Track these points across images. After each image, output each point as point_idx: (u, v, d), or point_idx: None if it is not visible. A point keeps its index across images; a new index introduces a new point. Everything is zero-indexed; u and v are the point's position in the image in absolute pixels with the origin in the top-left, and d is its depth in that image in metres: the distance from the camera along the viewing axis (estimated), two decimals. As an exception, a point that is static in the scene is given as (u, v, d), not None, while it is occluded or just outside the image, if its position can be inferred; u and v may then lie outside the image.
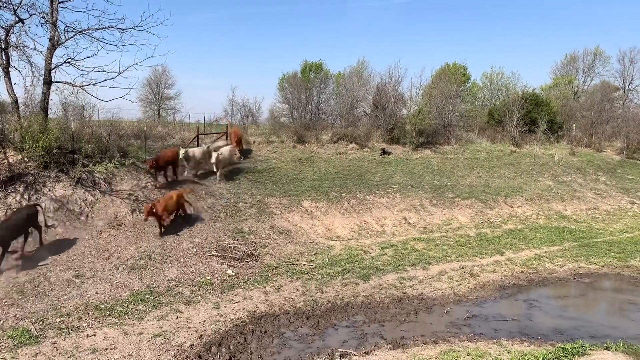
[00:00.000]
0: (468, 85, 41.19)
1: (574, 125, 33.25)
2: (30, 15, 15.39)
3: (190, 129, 24.40)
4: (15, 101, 15.79)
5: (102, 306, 10.14)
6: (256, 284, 12.05)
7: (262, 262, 13.30)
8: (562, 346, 8.59)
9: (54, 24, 15.59)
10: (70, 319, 9.53)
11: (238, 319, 10.16)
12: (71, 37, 15.95)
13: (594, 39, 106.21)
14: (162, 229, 13.72)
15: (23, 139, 14.54)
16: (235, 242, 14.13)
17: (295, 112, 30.78)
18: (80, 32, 15.87)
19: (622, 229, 19.46)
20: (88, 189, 14.81)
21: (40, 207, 12.72)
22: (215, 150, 18.62)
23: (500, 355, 8.56)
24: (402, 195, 19.99)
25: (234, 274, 12.40)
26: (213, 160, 17.59)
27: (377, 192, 19.87)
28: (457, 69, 40.19)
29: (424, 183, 21.67)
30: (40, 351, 8.35)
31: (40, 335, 8.87)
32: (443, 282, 12.94)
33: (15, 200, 13.36)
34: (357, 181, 20.68)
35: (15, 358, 8.13)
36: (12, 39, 15.44)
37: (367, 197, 19.27)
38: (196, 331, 9.45)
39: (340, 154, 24.04)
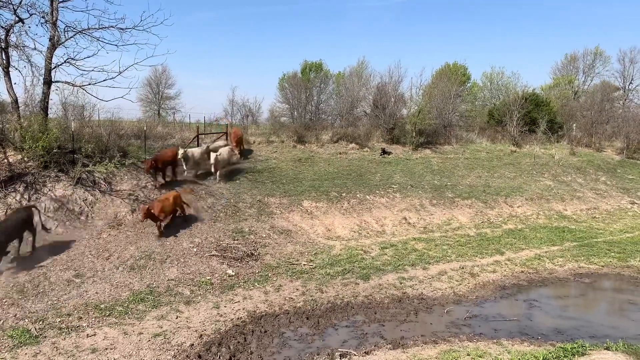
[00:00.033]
0: (468, 85, 41.19)
1: (574, 125, 33.25)
2: (30, 15, 15.42)
3: (190, 129, 24.41)
4: (15, 101, 15.79)
5: (102, 306, 10.14)
6: (256, 283, 12.05)
7: (262, 262, 13.30)
8: (562, 346, 8.59)
9: (54, 24, 15.59)
10: (70, 318, 9.53)
11: (238, 318, 10.15)
12: (71, 37, 15.97)
13: (594, 39, 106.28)
14: (161, 230, 13.64)
15: (23, 139, 14.54)
16: (235, 242, 14.13)
17: (295, 112, 30.78)
18: (80, 31, 15.88)
19: (622, 229, 19.46)
20: (88, 188, 14.81)
21: (37, 208, 12.65)
22: (214, 150, 18.61)
23: (500, 355, 8.55)
24: (402, 195, 19.99)
25: (234, 273, 12.40)
26: (212, 160, 17.59)
27: (377, 192, 19.87)
28: (457, 68, 40.19)
29: (424, 183, 21.67)
30: (40, 351, 8.35)
31: (40, 335, 8.87)
32: (443, 282, 12.94)
33: (15, 200, 13.37)
34: (357, 181, 20.67)
35: (15, 358, 8.12)
36: (12, 38, 15.46)
37: (367, 197, 19.27)
38: (196, 331, 9.45)
39: (340, 153, 24.04)
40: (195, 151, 18.05)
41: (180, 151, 17.08)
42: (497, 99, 38.56)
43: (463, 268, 13.99)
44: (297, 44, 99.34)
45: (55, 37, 15.67)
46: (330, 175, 20.96)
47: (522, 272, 14.14)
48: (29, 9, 15.29)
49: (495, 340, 9.51)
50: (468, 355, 8.56)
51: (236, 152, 21.20)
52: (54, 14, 15.56)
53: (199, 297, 11.05)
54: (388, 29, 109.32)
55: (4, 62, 15.43)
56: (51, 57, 15.81)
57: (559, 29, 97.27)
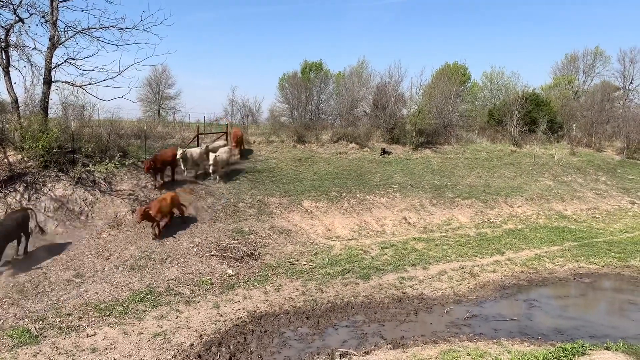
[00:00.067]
0: (468, 85, 41.19)
1: (574, 125, 33.24)
2: (30, 14, 15.43)
3: (191, 129, 24.41)
4: (15, 101, 15.80)
5: (102, 306, 10.14)
6: (256, 283, 12.05)
7: (262, 262, 13.30)
8: (562, 346, 8.58)
9: (54, 24, 15.59)
10: (70, 318, 9.53)
11: (238, 318, 10.15)
12: (71, 37, 15.99)
13: (594, 39, 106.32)
14: (158, 231, 13.53)
15: (23, 139, 14.54)
16: (235, 241, 14.13)
17: (295, 112, 30.77)
18: (80, 31, 15.89)
19: (623, 229, 19.46)
20: (88, 188, 14.81)
21: (33, 210, 12.56)
22: (214, 151, 18.58)
23: (500, 355, 8.55)
24: (402, 195, 19.99)
25: (234, 273, 12.40)
26: (211, 161, 17.54)
27: (377, 191, 19.86)
28: (458, 68, 40.19)
29: (424, 183, 21.67)
30: (40, 351, 8.35)
31: (40, 334, 8.87)
32: (443, 282, 12.94)
33: (15, 199, 13.37)
34: (357, 181, 20.67)
35: (15, 357, 8.12)
36: (12, 38, 15.48)
37: (367, 196, 19.27)
38: (196, 331, 9.45)
39: (340, 153, 24.03)
40: (195, 151, 18.02)
41: (179, 151, 17.05)
42: (497, 98, 38.55)
43: (463, 268, 13.98)
44: (297, 44, 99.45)
45: (55, 37, 15.68)
46: (330, 175, 20.96)
47: (522, 272, 14.14)
48: (29, 9, 15.33)
49: (495, 340, 9.51)
50: (468, 355, 8.56)
51: (236, 152, 21.20)
52: (54, 14, 15.57)
53: (199, 297, 11.05)
54: (388, 29, 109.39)
55: (4, 61, 15.44)
56: (51, 57, 15.82)
57: (559, 29, 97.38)
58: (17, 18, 15.28)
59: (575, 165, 27.48)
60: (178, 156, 16.86)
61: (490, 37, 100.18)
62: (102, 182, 15.29)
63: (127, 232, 13.59)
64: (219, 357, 8.57)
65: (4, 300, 9.99)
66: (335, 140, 25.39)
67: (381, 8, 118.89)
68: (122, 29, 16.06)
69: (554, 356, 8.08)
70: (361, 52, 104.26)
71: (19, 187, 13.72)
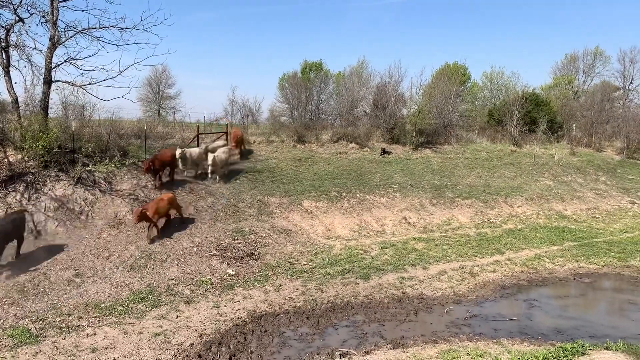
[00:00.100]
0: (468, 85, 41.21)
1: (574, 125, 33.25)
2: (31, 14, 15.44)
3: (191, 129, 24.43)
4: (15, 100, 15.80)
5: (102, 305, 10.14)
6: (256, 283, 12.06)
7: (262, 262, 13.30)
8: (562, 346, 8.59)
9: (54, 24, 15.59)
10: (70, 318, 9.53)
11: (238, 318, 10.16)
12: (71, 37, 15.99)
13: (594, 39, 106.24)
14: (156, 232, 13.48)
15: (23, 138, 14.54)
16: (236, 241, 14.14)
17: (296, 112, 30.79)
18: (80, 31, 15.89)
19: (622, 229, 19.46)
20: (88, 188, 14.81)
21: (29, 212, 12.49)
22: (212, 151, 18.56)
23: (500, 355, 8.56)
24: (402, 195, 20.00)
25: (234, 273, 12.41)
26: (209, 161, 17.52)
27: (377, 191, 19.87)
28: (458, 68, 40.19)
29: (424, 183, 21.67)
30: (40, 350, 8.35)
31: (41, 334, 8.88)
32: (443, 282, 12.95)
33: (16, 199, 13.37)
34: (357, 181, 20.68)
35: (15, 357, 8.13)
36: (13, 38, 15.48)
37: (367, 196, 19.27)
38: (196, 330, 9.46)
39: (340, 153, 24.04)
40: (194, 151, 18.01)
41: (178, 151, 17.02)
42: (497, 98, 38.57)
43: (463, 268, 13.99)
44: (297, 44, 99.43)
45: (56, 37, 15.68)
46: (330, 175, 20.97)
47: (522, 271, 14.14)
48: (29, 9, 15.33)
49: (495, 340, 9.51)
50: (468, 355, 8.57)
51: (235, 152, 21.19)
52: (54, 14, 15.57)
53: (199, 297, 11.05)
54: (388, 29, 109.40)
55: (4, 61, 15.44)
56: (51, 57, 15.82)
57: (559, 29, 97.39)
58: (17, 18, 15.29)
59: (575, 165, 27.49)
60: (177, 156, 16.83)
61: (490, 37, 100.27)
62: (102, 181, 15.29)
63: (128, 232, 13.59)
64: (219, 357, 8.57)
65: (4, 299, 10.00)
66: (335, 140, 25.40)
67: (381, 8, 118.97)
68: (122, 28, 16.09)
69: (554, 356, 8.08)
70: (361, 52, 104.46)
71: (19, 186, 13.72)
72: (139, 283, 11.30)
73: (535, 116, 31.18)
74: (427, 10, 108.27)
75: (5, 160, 14.24)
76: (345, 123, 29.10)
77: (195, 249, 13.28)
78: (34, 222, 12.59)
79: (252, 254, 13.60)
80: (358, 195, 19.22)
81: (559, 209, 21.33)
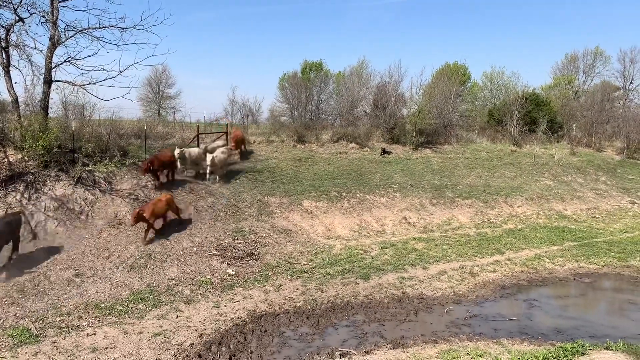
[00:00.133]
0: (468, 85, 41.23)
1: (574, 125, 33.24)
2: (31, 14, 15.45)
3: (191, 129, 24.44)
4: (15, 100, 15.80)
5: (102, 305, 10.14)
6: (256, 283, 12.06)
7: (262, 262, 13.30)
8: (562, 346, 8.59)
9: (54, 23, 15.59)
10: (70, 318, 9.54)
11: (238, 318, 10.16)
12: (71, 36, 16.00)
13: (594, 39, 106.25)
14: (153, 234, 13.39)
15: (23, 138, 14.55)
16: (236, 241, 14.14)
17: (296, 112, 30.79)
18: (80, 31, 15.90)
19: (622, 229, 19.46)
20: (88, 188, 14.81)
21: (25, 214, 12.44)
22: (211, 151, 18.51)
23: (500, 355, 8.55)
24: (402, 194, 19.99)
25: (234, 273, 12.41)
26: (208, 161, 17.48)
27: (377, 191, 19.87)
28: (458, 68, 40.21)
29: (424, 183, 21.67)
30: (40, 350, 8.35)
31: (41, 334, 8.88)
32: (443, 282, 12.94)
33: (16, 199, 13.37)
34: (357, 181, 20.68)
35: (15, 357, 8.13)
36: (13, 38, 15.49)
37: (367, 196, 19.27)
38: (196, 330, 9.46)
39: (340, 153, 24.04)
40: (193, 151, 17.98)
41: (177, 151, 16.99)
42: (497, 98, 38.57)
43: (463, 268, 13.99)
44: (297, 44, 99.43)
45: (56, 37, 15.68)
46: (330, 175, 20.97)
47: (522, 271, 14.14)
48: (29, 8, 15.34)
49: (495, 340, 9.51)
50: (468, 354, 8.56)
51: (235, 152, 21.18)
52: (54, 14, 15.57)
53: (199, 297, 11.05)
54: (388, 28, 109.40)
55: (5, 61, 15.44)
56: (51, 57, 15.82)
57: (559, 29, 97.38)
58: (17, 17, 15.30)
59: (575, 165, 27.49)
60: (176, 155, 16.80)
61: (490, 37, 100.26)
62: (102, 181, 15.29)
63: (128, 232, 13.59)
64: (219, 357, 8.57)
65: (4, 299, 10.00)
66: (335, 140, 25.40)
67: (381, 8, 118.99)
68: (122, 28, 16.10)
69: (554, 356, 8.08)
70: (361, 52, 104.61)
71: (19, 186, 13.72)
72: (139, 283, 11.30)
73: (536, 116, 31.18)
74: (427, 10, 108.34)
75: (5, 160, 14.24)
76: (345, 123, 29.10)
77: (195, 249, 13.28)
78: (29, 224, 12.48)
79: (252, 253, 13.60)
80: (358, 195, 19.22)
81: (559, 209, 21.33)
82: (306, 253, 14.24)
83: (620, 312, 11.85)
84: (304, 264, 13.41)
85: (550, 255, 15.64)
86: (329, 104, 33.86)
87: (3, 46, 15.29)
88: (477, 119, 35.20)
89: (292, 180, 19.72)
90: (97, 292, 10.68)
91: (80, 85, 16.49)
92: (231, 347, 8.93)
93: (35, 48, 15.75)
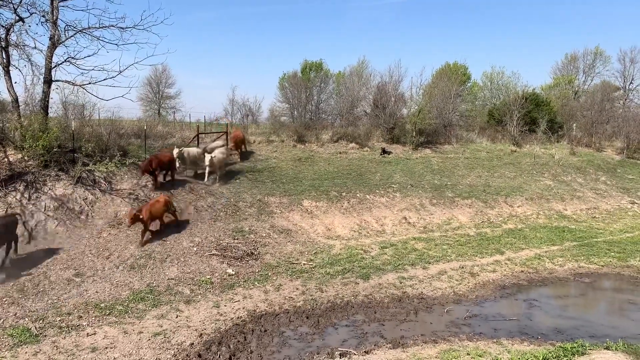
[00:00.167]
0: (468, 84, 41.20)
1: (574, 125, 33.24)
2: (31, 14, 15.46)
3: (191, 128, 24.43)
4: (15, 100, 15.81)
5: (102, 305, 10.15)
6: (256, 283, 12.06)
7: (262, 261, 13.30)
8: (562, 345, 8.59)
9: (54, 23, 15.60)
10: (70, 317, 9.54)
11: (238, 317, 10.16)
12: (71, 36, 16.01)
13: (594, 39, 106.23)
14: (149, 235, 13.30)
15: (23, 138, 14.55)
16: (236, 241, 14.14)
17: (296, 112, 30.79)
18: (80, 31, 15.90)
19: (622, 229, 19.46)
20: (88, 187, 14.81)
21: (20, 216, 12.41)
22: (210, 151, 18.48)
23: (500, 355, 8.56)
24: (402, 194, 19.99)
25: (234, 273, 12.41)
26: (206, 162, 17.45)
27: (377, 191, 19.87)
28: (458, 68, 40.19)
29: (424, 182, 21.67)
30: (40, 350, 8.35)
31: (41, 334, 8.88)
32: (443, 282, 12.94)
33: (16, 199, 13.37)
34: (357, 180, 20.67)
35: (15, 357, 8.13)
36: (13, 37, 15.50)
37: (367, 196, 19.27)
38: (196, 330, 9.46)
39: (340, 153, 24.04)
40: (191, 150, 17.96)
41: (175, 150, 16.95)
42: (497, 98, 38.55)
43: (463, 267, 13.99)
44: (297, 44, 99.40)
45: (56, 36, 15.69)
46: (330, 175, 20.96)
47: (522, 271, 14.14)
48: (29, 8, 15.36)
49: (495, 340, 9.51)
50: (468, 354, 8.56)
51: (234, 153, 21.16)
52: (54, 13, 15.58)
53: (199, 296, 11.05)
54: (388, 28, 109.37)
55: (4, 61, 15.44)
56: (51, 56, 15.83)
57: (559, 29, 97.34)
58: (17, 17, 15.30)
59: (575, 165, 27.49)
60: (174, 155, 16.76)
61: (490, 37, 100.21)
62: (102, 181, 15.29)
63: (128, 232, 13.59)
64: (219, 357, 8.57)
65: (4, 299, 10.01)
66: (335, 140, 25.39)
67: (381, 8, 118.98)
68: (122, 28, 16.11)
69: (554, 356, 8.09)
70: (361, 52, 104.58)
71: (19, 186, 13.72)
72: (139, 283, 11.30)
73: (536, 116, 31.17)
74: (427, 10, 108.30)
75: (5, 159, 14.24)
76: (345, 123, 29.09)
77: (195, 249, 13.28)
78: (25, 225, 12.37)
79: (252, 253, 13.60)
80: (358, 195, 19.23)
81: (559, 209, 21.33)
82: (306, 253, 14.25)
83: (620, 312, 11.85)
84: (304, 264, 13.41)
85: (550, 255, 15.64)
86: (329, 103, 33.87)
87: (3, 46, 15.30)
88: (477, 118, 35.19)
89: (292, 180, 19.72)
90: (97, 291, 10.68)
91: (80, 85, 16.51)
92: (231, 346, 8.93)
93: (35, 48, 15.79)
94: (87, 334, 9.02)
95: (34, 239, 12.53)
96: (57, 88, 18.32)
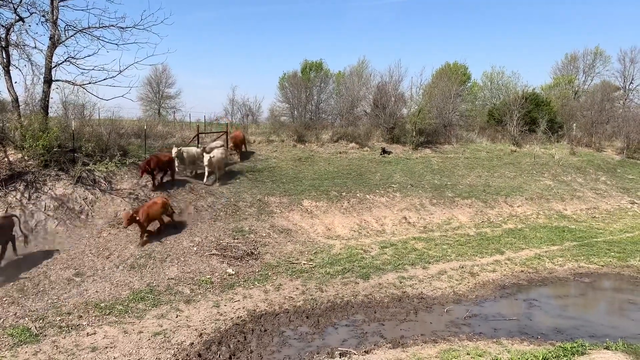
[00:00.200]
0: (468, 84, 41.21)
1: (574, 125, 33.24)
2: (31, 13, 15.47)
3: (191, 128, 24.45)
4: (15, 100, 15.81)
5: (102, 305, 10.15)
6: (256, 282, 12.06)
7: (262, 261, 13.31)
8: (562, 345, 8.59)
9: (55, 23, 15.60)
10: (70, 317, 9.54)
11: (238, 317, 10.16)
12: (71, 36, 16.02)
13: (594, 39, 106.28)
14: (146, 237, 13.24)
15: (23, 138, 14.56)
16: (236, 241, 14.14)
17: (296, 112, 30.79)
18: (80, 30, 15.91)
19: (622, 229, 19.46)
20: (88, 187, 14.82)
21: (17, 217, 12.36)
22: (209, 151, 18.47)
23: (500, 355, 8.56)
24: (402, 194, 19.99)
25: (234, 272, 12.41)
26: (205, 162, 17.44)
27: (377, 191, 19.87)
28: (458, 68, 40.19)
29: (424, 182, 21.67)
30: (40, 349, 8.36)
31: (41, 333, 8.89)
32: (443, 282, 12.95)
33: (16, 198, 13.38)
34: (357, 180, 20.68)
35: (15, 356, 8.14)
36: (13, 37, 15.51)
37: (367, 196, 19.27)
38: (196, 330, 9.46)
39: (340, 153, 24.04)
40: (191, 150, 17.95)
41: (174, 150, 16.94)
42: (497, 98, 38.56)
43: (463, 267, 13.99)
44: (297, 44, 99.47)
45: (56, 36, 15.69)
46: (330, 175, 20.97)
47: (522, 271, 14.14)
48: (29, 8, 15.37)
49: (495, 340, 9.51)
50: (468, 354, 8.57)
51: (234, 153, 21.14)
52: (54, 13, 15.58)
53: (199, 296, 11.05)
54: (388, 28, 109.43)
55: (5, 60, 15.45)
56: (51, 56, 15.83)
57: (559, 29, 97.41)
58: (17, 17, 15.31)
59: (575, 165, 27.49)
60: (173, 154, 16.74)
61: (490, 37, 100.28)
62: (102, 181, 15.30)
63: (128, 231, 13.59)
64: (219, 356, 8.58)
65: (4, 299, 10.01)
66: (335, 139, 25.40)
67: (381, 8, 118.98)
68: (122, 28, 16.11)
69: (554, 355, 8.09)
70: (361, 52, 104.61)
71: (19, 186, 13.73)
72: (139, 282, 11.30)
73: (536, 116, 31.18)
74: (427, 10, 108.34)
75: (6, 159, 14.25)
76: (345, 123, 29.09)
77: (195, 249, 13.28)
78: (20, 227, 12.27)
79: (252, 253, 13.61)
80: (358, 194, 19.23)
81: (559, 209, 21.33)
82: (306, 253, 14.25)
83: (620, 312, 11.85)
84: (304, 264, 13.41)
85: (550, 255, 15.64)
86: (329, 103, 33.86)
87: (3, 45, 15.30)
88: (477, 118, 35.19)
89: (292, 179, 19.72)
90: (97, 291, 10.69)
91: (80, 85, 16.51)
92: (231, 346, 8.93)
93: (35, 47, 15.81)
94: (87, 333, 9.02)
95: (34, 239, 12.51)
96: (57, 88, 18.36)
